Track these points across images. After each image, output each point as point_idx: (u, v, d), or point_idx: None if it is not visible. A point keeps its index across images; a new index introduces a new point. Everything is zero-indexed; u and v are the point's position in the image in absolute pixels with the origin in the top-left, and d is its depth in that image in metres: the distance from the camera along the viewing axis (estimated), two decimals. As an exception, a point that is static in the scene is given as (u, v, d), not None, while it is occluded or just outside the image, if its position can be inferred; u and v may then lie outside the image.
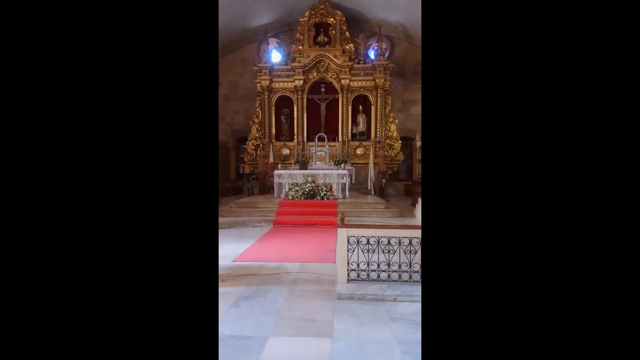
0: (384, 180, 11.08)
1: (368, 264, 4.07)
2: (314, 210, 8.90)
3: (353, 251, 4.09)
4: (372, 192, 11.26)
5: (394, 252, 4.06)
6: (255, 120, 12.81)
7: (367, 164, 11.71)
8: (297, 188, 9.60)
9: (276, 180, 10.36)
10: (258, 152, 12.20)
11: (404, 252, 4.06)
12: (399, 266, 4.07)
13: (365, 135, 12.73)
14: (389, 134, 12.45)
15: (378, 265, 4.07)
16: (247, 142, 12.92)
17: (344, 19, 12.36)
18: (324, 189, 9.53)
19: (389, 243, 4.08)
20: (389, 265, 4.08)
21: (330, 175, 10.11)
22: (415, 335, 3.01)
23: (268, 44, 12.74)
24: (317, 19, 12.43)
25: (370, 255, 4.10)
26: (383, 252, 4.06)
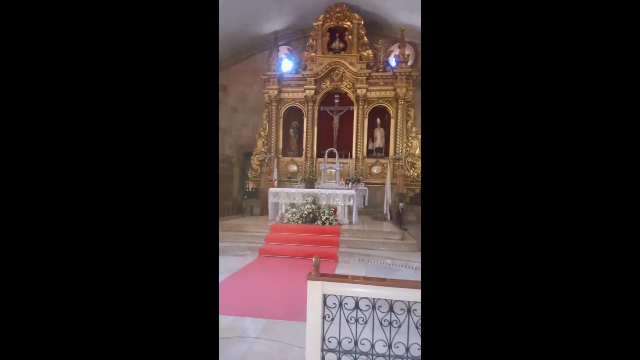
0: (400, 204, 10.41)
1: (356, 342, 2.96)
2: (311, 237, 8.40)
3: (332, 319, 2.97)
4: (389, 218, 10.82)
5: (399, 325, 2.87)
6: (262, 133, 12.92)
7: (384, 184, 11.48)
8: (294, 210, 9.16)
9: (271, 199, 9.83)
10: (262, 168, 12.22)
11: (416, 327, 2.76)
12: (407, 349, 2.87)
13: (383, 151, 12.57)
14: (411, 151, 12.21)
15: (372, 346, 2.92)
16: (252, 157, 12.98)
17: (362, 23, 12.37)
18: (327, 212, 9.01)
19: (391, 310, 2.89)
20: (390, 347, 2.90)
21: (335, 195, 9.45)
22: None
23: (278, 51, 12.87)
24: (332, 22, 12.49)
25: (359, 328, 2.97)
26: (382, 324, 2.91)
